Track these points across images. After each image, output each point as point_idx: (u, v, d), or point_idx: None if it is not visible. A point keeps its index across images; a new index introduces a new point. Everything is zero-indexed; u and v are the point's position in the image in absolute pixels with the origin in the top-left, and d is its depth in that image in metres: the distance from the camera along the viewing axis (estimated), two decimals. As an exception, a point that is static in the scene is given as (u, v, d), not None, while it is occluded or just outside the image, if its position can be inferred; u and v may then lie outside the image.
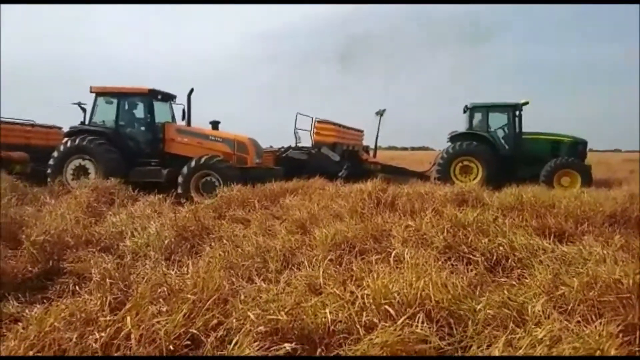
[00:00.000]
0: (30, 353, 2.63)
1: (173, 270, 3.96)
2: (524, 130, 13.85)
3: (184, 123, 11.99)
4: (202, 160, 10.77)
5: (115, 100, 11.72)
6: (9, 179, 9.25)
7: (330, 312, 3.02)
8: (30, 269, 4.52)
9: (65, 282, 4.19)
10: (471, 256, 4.43)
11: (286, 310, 3.07)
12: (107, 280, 3.68)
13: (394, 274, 3.56)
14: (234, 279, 3.84)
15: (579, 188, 10.52)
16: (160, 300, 3.23)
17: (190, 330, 2.88)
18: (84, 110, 12.04)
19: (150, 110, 11.84)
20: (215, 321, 3.01)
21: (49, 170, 11.30)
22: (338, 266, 4.19)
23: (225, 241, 5.19)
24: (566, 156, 13.24)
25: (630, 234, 5.47)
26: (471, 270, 4.06)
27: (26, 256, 4.67)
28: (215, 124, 11.92)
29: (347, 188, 8.45)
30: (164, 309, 3.04)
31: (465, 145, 13.50)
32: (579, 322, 2.90)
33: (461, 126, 14.54)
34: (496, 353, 2.60)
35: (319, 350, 2.87)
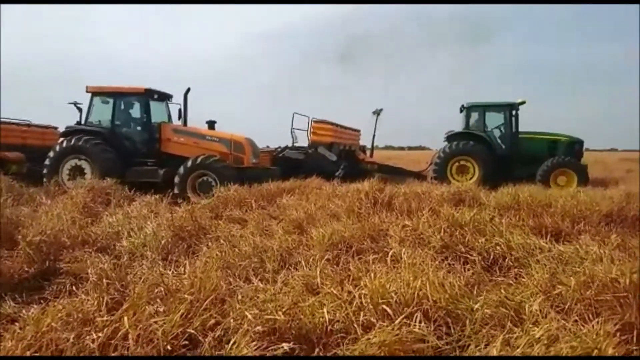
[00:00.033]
0: (28, 353, 2.62)
1: (170, 270, 3.95)
2: (521, 129, 13.86)
3: (180, 123, 11.97)
4: (199, 160, 10.75)
5: (111, 100, 11.69)
6: (5, 179, 9.19)
7: (327, 312, 3.02)
8: (26, 269, 4.51)
9: (62, 282, 4.18)
10: (468, 256, 4.44)
11: (284, 310, 3.07)
12: (104, 280, 3.66)
13: (391, 274, 3.56)
14: (231, 279, 3.84)
15: (576, 187, 10.60)
16: (158, 300, 3.23)
17: (188, 330, 2.88)
18: (80, 110, 12.01)
19: (146, 110, 11.81)
20: (212, 321, 3.00)
21: (45, 171, 11.27)
22: (335, 266, 4.19)
23: (222, 241, 5.18)
24: (562, 155, 13.27)
25: (627, 233, 5.51)
26: (468, 270, 4.07)
27: (22, 257, 4.66)
28: (211, 124, 11.89)
29: (344, 188, 8.45)
30: (161, 309, 3.04)
31: (461, 144, 13.51)
32: (576, 321, 2.90)
33: (460, 126, 14.55)
34: (494, 352, 2.61)
35: (316, 350, 2.87)
